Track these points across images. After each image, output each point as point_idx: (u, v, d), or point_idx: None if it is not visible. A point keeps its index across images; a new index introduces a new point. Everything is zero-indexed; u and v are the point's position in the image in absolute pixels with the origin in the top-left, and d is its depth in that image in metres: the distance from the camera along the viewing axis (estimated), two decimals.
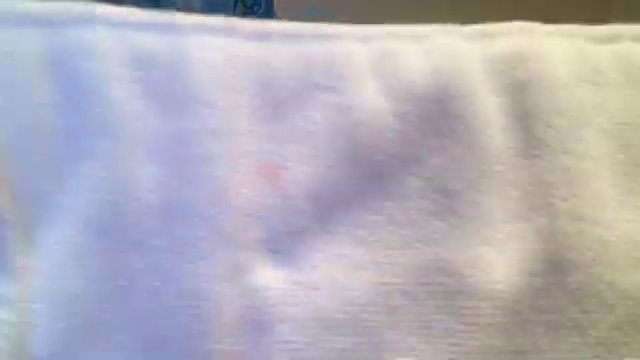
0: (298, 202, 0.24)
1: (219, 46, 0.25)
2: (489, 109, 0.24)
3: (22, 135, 0.24)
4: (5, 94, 0.23)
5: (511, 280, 0.23)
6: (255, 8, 0.77)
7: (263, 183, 0.24)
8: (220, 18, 0.26)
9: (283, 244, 0.24)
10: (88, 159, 0.23)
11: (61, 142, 0.24)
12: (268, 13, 0.78)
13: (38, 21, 0.23)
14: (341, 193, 0.24)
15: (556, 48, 0.26)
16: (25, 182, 0.23)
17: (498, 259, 0.23)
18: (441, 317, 0.24)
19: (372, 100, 0.24)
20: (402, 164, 0.24)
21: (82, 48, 0.23)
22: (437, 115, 0.24)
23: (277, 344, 0.24)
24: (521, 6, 0.98)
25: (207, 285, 0.23)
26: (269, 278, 0.24)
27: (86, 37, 0.23)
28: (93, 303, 0.23)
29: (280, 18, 0.78)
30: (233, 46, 0.25)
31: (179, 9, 0.68)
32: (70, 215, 0.23)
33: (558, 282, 0.23)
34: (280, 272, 0.24)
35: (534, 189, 0.23)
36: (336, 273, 0.24)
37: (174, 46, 0.24)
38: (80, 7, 0.24)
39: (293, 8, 0.75)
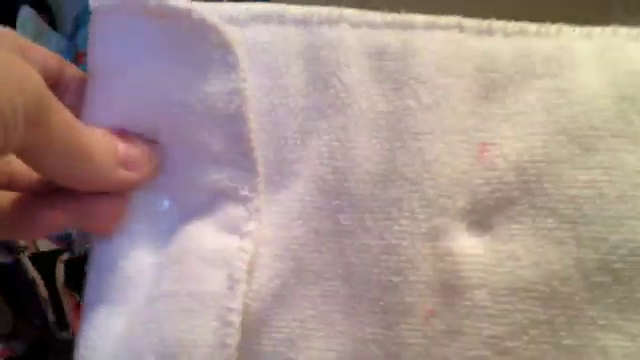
0: (506, 175, 0.26)
1: (448, 40, 0.28)
2: None
3: (269, 112, 0.29)
4: (269, 76, 0.29)
5: None
6: None
7: (473, 157, 0.26)
8: (450, 18, 0.29)
9: (485, 215, 0.26)
10: (323, 133, 0.28)
11: (304, 118, 0.28)
12: None
13: (299, 21, 0.29)
14: (550, 169, 0.26)
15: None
16: (274, 152, 0.28)
17: None
18: None
19: (592, 85, 0.26)
20: (617, 141, 0.25)
21: (329, 42, 0.28)
22: None
23: (471, 308, 0.26)
24: (521, 6, 0.98)
25: (408, 243, 0.26)
26: (467, 245, 0.26)
27: (333, 34, 0.28)
28: (309, 252, 0.27)
29: None
30: (461, 40, 0.28)
31: None
32: (304, 179, 0.28)
33: None
34: (479, 240, 0.26)
35: None
36: (536, 245, 0.25)
37: (406, 40, 0.28)
38: (330, 10, 0.29)
39: None
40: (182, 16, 0.28)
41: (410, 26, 0.28)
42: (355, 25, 0.28)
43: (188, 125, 0.28)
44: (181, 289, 0.27)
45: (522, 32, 0.29)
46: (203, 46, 0.28)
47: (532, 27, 0.29)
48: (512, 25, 0.29)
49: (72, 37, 0.70)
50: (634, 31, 0.27)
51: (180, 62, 0.28)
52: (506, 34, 0.28)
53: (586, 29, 0.29)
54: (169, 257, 0.28)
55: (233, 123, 0.28)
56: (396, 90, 0.28)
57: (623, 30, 0.28)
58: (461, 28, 0.29)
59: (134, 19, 0.28)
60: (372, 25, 0.28)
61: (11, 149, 0.24)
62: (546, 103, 0.26)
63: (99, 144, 0.27)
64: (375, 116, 0.28)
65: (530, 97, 0.27)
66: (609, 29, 0.28)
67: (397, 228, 0.26)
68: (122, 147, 0.28)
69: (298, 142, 0.28)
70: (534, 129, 0.26)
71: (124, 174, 0.28)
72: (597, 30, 0.28)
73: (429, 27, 0.29)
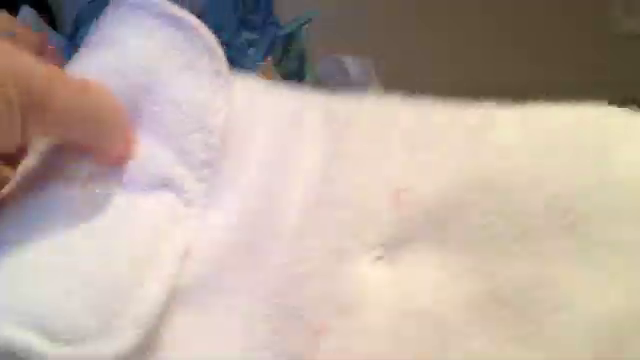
0: (415, 216, 0.28)
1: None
2: None
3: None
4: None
5: None
6: (255, 8, 0.77)
7: (388, 196, 0.28)
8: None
9: (392, 247, 0.28)
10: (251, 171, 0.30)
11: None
12: (268, 13, 0.78)
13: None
14: (453, 212, 0.27)
15: None
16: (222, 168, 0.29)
17: None
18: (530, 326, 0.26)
19: (506, 138, 0.28)
20: (529, 186, 0.27)
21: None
22: None
23: (364, 328, 0.27)
24: (522, 7, 0.99)
25: (314, 258, 0.27)
26: (370, 270, 0.27)
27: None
28: (232, 267, 0.28)
29: (280, 18, 0.78)
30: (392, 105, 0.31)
31: (180, 8, 0.68)
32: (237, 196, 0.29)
33: None
34: (382, 268, 0.28)
35: None
36: (435, 277, 0.27)
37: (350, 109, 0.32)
38: None
39: (293, 8, 0.76)
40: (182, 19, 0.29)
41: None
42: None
43: (167, 116, 0.29)
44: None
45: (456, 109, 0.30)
46: (198, 48, 0.29)
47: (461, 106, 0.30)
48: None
49: (72, 37, 0.70)
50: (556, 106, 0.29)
51: (174, 57, 0.29)
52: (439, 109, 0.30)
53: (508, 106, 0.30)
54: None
55: (211, 132, 0.29)
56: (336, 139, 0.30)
57: (545, 105, 0.29)
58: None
59: (141, 12, 0.29)
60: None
61: (15, 144, 0.24)
62: (458, 153, 0.28)
63: (110, 102, 0.27)
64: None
65: (444, 147, 0.29)
66: (531, 106, 0.29)
67: (307, 243, 0.28)
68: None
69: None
70: (443, 175, 0.28)
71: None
72: (519, 106, 0.29)
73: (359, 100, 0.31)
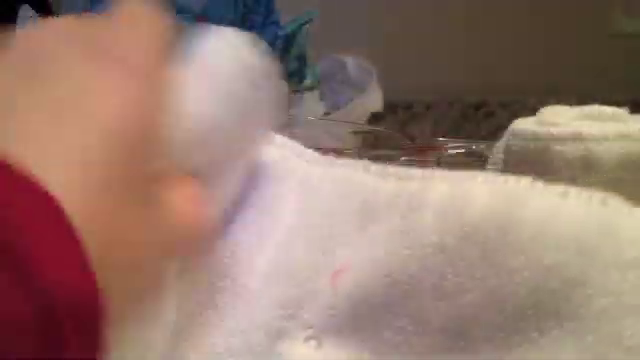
0: (347, 298, 0.28)
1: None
2: None
3: None
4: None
5: None
6: (255, 8, 0.77)
7: (327, 277, 0.28)
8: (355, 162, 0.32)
9: (324, 329, 0.28)
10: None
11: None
12: (268, 13, 0.78)
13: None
14: (381, 299, 0.27)
15: None
16: None
17: None
18: None
19: (427, 227, 0.27)
20: (434, 297, 0.27)
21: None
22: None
23: None
24: (522, 8, 0.99)
25: (255, 337, 0.28)
26: (300, 351, 0.28)
27: None
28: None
29: (280, 18, 0.78)
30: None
31: (180, 8, 0.68)
32: None
33: None
34: (311, 349, 0.28)
35: None
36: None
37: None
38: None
39: (293, 8, 0.76)
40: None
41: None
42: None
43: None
44: None
45: (408, 177, 0.29)
46: None
47: (417, 172, 0.29)
48: (403, 171, 0.29)
49: None
50: (489, 177, 0.27)
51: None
52: (398, 178, 0.29)
53: (445, 174, 0.28)
54: None
55: None
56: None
57: (480, 176, 0.27)
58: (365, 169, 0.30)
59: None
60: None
61: None
62: (387, 241, 0.28)
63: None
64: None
65: (382, 232, 0.28)
66: (467, 175, 0.28)
67: (253, 313, 0.28)
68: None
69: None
70: (375, 262, 0.28)
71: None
72: (454, 175, 0.28)
73: (332, 164, 0.31)
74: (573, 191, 0.26)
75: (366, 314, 0.28)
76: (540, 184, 0.26)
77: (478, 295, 0.26)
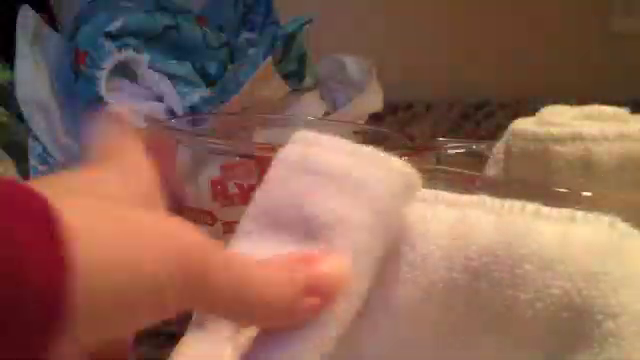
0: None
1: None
2: None
3: None
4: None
5: None
6: (255, 8, 0.77)
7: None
8: None
9: None
10: None
11: None
12: (268, 13, 0.78)
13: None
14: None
15: None
16: None
17: None
18: None
19: (435, 257, 0.27)
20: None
21: None
22: None
23: None
24: (521, 7, 0.99)
25: None
26: None
27: None
28: None
29: (280, 18, 0.78)
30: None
31: (178, 7, 0.68)
32: None
33: None
34: None
35: None
36: None
37: None
38: None
39: (293, 8, 0.76)
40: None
41: None
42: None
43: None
44: None
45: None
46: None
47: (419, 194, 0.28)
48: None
49: (72, 37, 0.70)
50: (494, 203, 0.27)
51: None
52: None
53: (452, 197, 0.27)
54: None
55: None
56: None
57: (489, 200, 0.26)
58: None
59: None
60: None
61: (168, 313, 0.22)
62: (398, 273, 0.27)
63: (274, 279, 0.24)
64: None
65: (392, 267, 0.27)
66: (474, 198, 0.27)
67: None
68: (303, 274, 0.25)
69: None
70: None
71: (309, 303, 0.24)
72: (463, 199, 0.27)
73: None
74: (580, 215, 0.25)
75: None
76: (546, 210, 0.26)
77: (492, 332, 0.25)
